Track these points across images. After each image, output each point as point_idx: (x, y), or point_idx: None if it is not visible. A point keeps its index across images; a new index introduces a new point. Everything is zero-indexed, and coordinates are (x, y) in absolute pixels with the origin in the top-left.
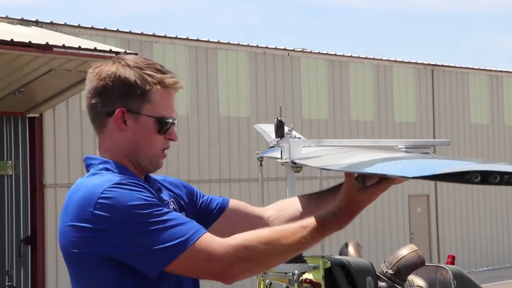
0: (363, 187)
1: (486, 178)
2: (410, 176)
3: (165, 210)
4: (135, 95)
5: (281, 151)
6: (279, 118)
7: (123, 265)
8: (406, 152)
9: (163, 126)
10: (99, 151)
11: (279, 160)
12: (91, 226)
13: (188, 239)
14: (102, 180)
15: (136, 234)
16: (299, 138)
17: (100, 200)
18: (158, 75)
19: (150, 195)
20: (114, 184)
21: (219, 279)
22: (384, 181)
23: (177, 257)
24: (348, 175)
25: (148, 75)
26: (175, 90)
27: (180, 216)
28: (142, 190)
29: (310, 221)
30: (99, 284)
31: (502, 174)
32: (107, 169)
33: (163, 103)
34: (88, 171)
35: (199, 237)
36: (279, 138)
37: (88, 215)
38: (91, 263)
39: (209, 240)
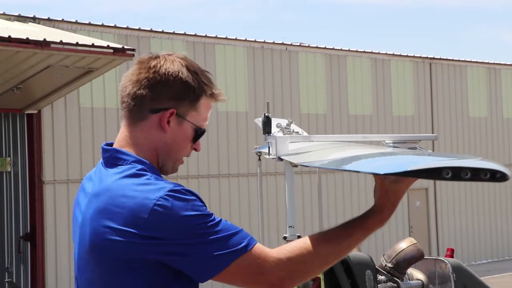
0: (396, 177)
1: (458, 174)
2: (382, 173)
3: (218, 219)
4: (188, 100)
5: (269, 147)
6: (266, 114)
7: (169, 271)
8: (394, 147)
9: (198, 136)
10: (125, 142)
11: (266, 156)
12: (142, 232)
13: (241, 249)
14: (155, 187)
15: (193, 244)
16: (297, 132)
17: (155, 208)
18: (212, 86)
19: (202, 203)
20: (169, 191)
21: None
22: None
23: (229, 265)
24: None
25: (204, 83)
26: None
27: (231, 225)
28: (194, 198)
29: (354, 225)
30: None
31: (473, 170)
32: (145, 170)
33: (205, 114)
34: (113, 164)
35: (251, 248)
36: (266, 134)
37: (141, 221)
38: (129, 267)
39: (261, 251)
